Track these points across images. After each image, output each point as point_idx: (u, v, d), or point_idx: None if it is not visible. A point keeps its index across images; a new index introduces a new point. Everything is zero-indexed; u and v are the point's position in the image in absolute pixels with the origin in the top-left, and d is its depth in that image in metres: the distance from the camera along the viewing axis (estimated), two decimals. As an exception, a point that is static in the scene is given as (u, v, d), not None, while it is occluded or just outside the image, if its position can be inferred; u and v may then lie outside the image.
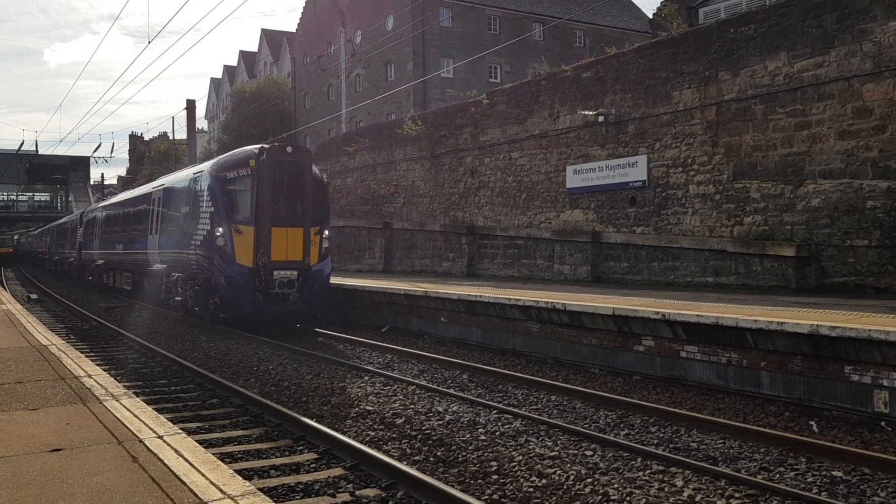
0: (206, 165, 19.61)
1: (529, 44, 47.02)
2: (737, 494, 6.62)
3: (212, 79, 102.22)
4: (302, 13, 61.60)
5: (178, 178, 22.21)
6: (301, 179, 17.96)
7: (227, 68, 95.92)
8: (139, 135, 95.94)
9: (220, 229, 17.46)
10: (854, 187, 15.43)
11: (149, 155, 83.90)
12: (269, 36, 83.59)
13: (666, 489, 6.75)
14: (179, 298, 20.41)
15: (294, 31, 64.13)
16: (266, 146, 18.09)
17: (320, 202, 18.64)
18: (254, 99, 59.59)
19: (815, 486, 6.95)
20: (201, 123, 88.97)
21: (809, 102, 16.24)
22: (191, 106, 40.73)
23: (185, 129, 42.52)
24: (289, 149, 18.12)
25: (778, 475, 7.28)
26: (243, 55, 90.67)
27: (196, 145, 45.25)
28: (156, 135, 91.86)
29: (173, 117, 70.62)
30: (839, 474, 7.28)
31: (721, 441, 8.52)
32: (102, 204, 36.88)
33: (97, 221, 34.95)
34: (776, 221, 16.94)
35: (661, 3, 32.76)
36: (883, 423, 9.00)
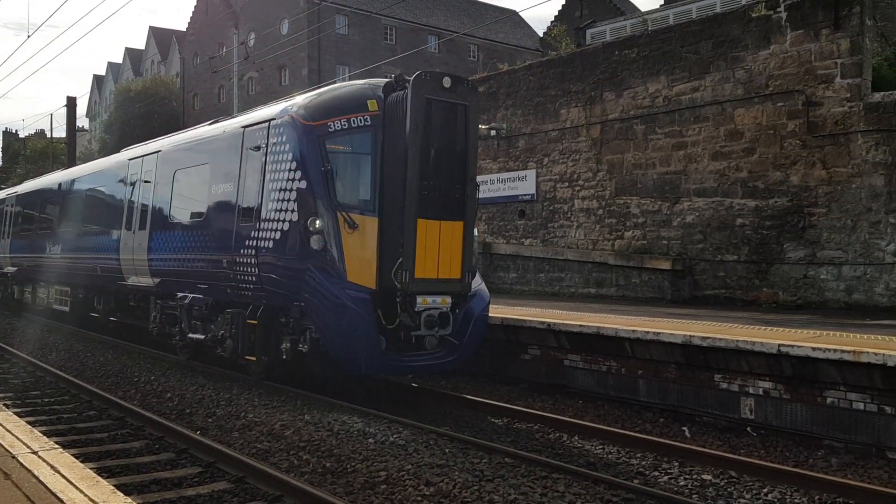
0: (274, 110, 11.52)
1: (425, 55, 47.51)
2: (615, 499, 6.93)
3: (95, 76, 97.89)
4: (193, 12, 59.99)
5: (196, 136, 13.96)
6: (463, 136, 10.27)
7: (111, 65, 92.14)
8: (13, 132, 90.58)
9: (319, 222, 10.14)
10: (725, 205, 16.41)
11: (24, 153, 79.35)
12: (157, 34, 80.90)
13: (549, 494, 7.00)
14: (200, 337, 12.83)
15: (184, 30, 62.31)
16: (402, 76, 10.54)
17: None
18: (140, 98, 57.42)
19: (687, 489, 7.36)
20: (82, 122, 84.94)
21: (686, 124, 17.18)
22: (71, 103, 38.90)
23: (65, 127, 40.56)
24: (446, 81, 10.04)
25: (653, 479, 7.67)
26: (129, 52, 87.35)
27: (76, 144, 43.18)
28: (32, 132, 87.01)
29: (52, 114, 67.12)
30: (709, 477, 7.74)
31: (601, 447, 8.89)
32: (22, 189, 25.85)
33: (9, 214, 25.48)
34: (654, 236, 17.80)
35: (552, 23, 33.87)
36: (749, 429, 9.62)
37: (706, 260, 16.71)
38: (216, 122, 14.13)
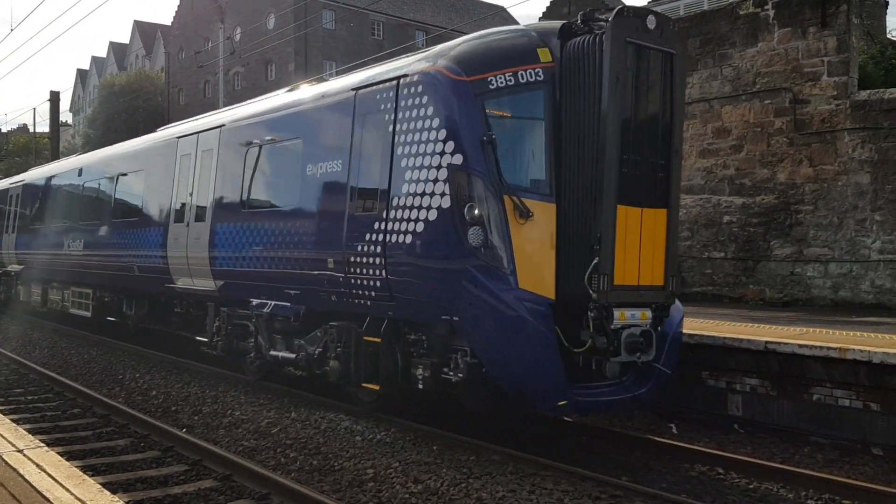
0: (403, 63, 9.08)
1: (413, 51, 47.45)
2: (602, 496, 6.93)
3: (78, 70, 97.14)
4: (178, 6, 59.62)
5: (277, 107, 11.25)
6: (668, 94, 8.04)
7: (95, 59, 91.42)
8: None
9: (480, 208, 7.74)
10: (712, 203, 16.47)
11: (6, 148, 78.66)
12: (141, 28, 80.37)
13: (537, 491, 6.99)
14: (287, 356, 10.46)
15: (169, 24, 61.92)
16: (592, 12, 8.00)
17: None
18: (124, 93, 57.01)
19: (675, 486, 7.37)
20: (66, 116, 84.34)
21: (674, 121, 17.21)
22: (55, 98, 38.57)
23: (48, 121, 40.21)
24: (650, 20, 7.74)
25: (640, 476, 7.68)
26: (114, 46, 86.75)
27: (59, 139, 42.84)
28: (14, 127, 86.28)
29: (35, 109, 66.66)
30: (695, 474, 7.76)
31: (589, 444, 8.89)
32: (31, 177, 22.41)
33: (15, 205, 22.42)
34: (643, 233, 17.82)
35: (539, 20, 33.88)
36: (736, 426, 9.65)
37: (694, 257, 16.77)
38: (295, 88, 11.73)
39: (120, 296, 15.85)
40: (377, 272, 8.51)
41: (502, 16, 58.11)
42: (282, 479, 6.91)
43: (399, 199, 8.28)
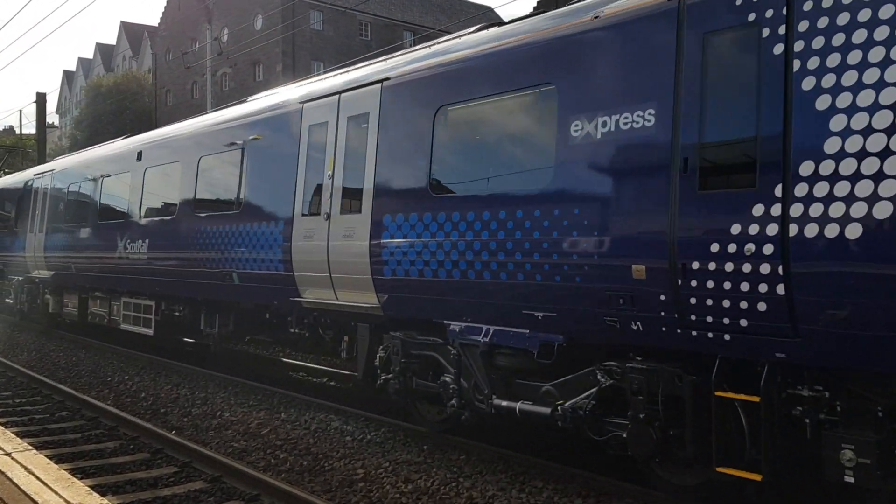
0: None
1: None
2: (591, 494, 6.97)
3: (65, 71, 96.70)
4: (165, 7, 59.43)
5: (504, 40, 7.77)
6: None
7: (81, 61, 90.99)
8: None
9: None
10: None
11: (-8, 149, 78.15)
12: (128, 29, 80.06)
13: (527, 490, 7.03)
14: (539, 410, 7.03)
15: (156, 25, 61.70)
16: None
17: None
18: (111, 94, 56.81)
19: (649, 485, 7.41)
20: (52, 118, 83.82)
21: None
22: (41, 99, 38.31)
23: (35, 123, 39.97)
24: None
25: (629, 474, 7.71)
26: (100, 48, 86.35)
27: (46, 141, 42.59)
28: (1, 129, 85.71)
29: (21, 110, 66.25)
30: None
31: (579, 442, 8.92)
32: (62, 165, 18.69)
33: (42, 200, 18.67)
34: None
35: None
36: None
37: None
38: (542, 12, 8.04)
39: (196, 309, 12.73)
40: (759, 287, 5.47)
41: (490, 15, 58.26)
42: (272, 479, 6.92)
43: (819, 162, 5.21)
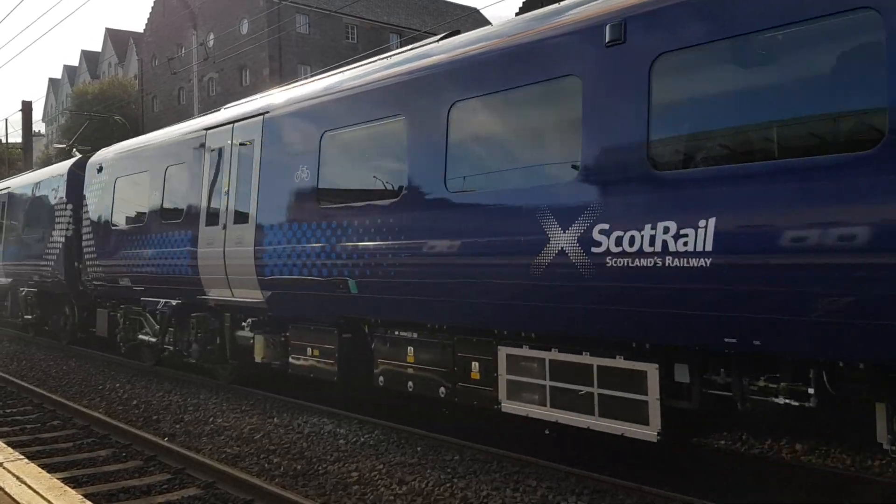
0: None
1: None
2: (585, 492, 6.99)
3: (50, 79, 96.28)
4: (150, 13, 59.23)
5: None
6: None
7: (67, 68, 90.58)
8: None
9: None
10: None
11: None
12: (113, 35, 79.77)
13: (521, 489, 7.04)
14: None
15: (141, 31, 61.49)
16: None
17: None
18: (97, 101, 56.50)
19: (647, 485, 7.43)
20: (38, 126, 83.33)
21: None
22: (27, 108, 38.18)
23: (21, 132, 39.76)
24: None
25: (622, 471, 7.74)
26: (86, 55, 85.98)
27: (32, 150, 42.37)
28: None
29: (7, 119, 65.88)
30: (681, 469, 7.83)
31: (571, 441, 8.94)
32: (126, 147, 14.67)
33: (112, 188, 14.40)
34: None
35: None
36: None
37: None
38: None
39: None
40: None
41: (475, 17, 58.28)
42: (266, 484, 6.90)
43: None
